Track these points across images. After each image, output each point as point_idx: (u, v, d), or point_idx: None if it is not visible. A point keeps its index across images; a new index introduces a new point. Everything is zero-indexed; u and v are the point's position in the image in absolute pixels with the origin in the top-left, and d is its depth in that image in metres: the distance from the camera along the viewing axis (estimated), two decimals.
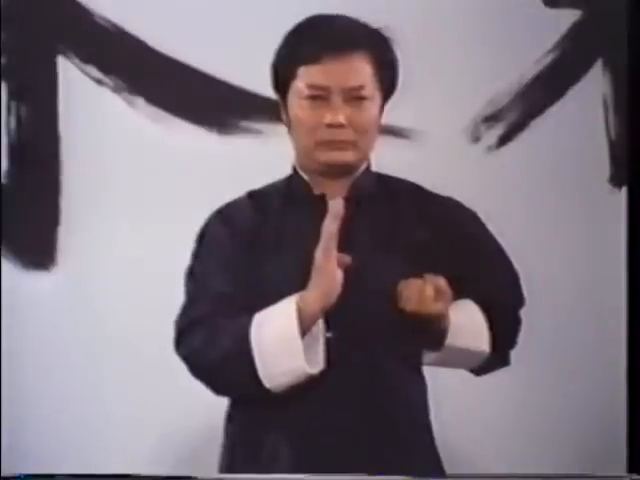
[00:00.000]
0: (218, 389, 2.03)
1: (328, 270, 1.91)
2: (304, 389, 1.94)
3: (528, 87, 3.08)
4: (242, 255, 2.04)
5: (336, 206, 1.91)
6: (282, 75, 2.05)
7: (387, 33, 2.06)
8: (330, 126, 2.00)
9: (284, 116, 2.10)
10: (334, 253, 1.91)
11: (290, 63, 2.03)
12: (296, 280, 1.95)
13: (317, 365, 1.94)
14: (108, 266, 2.95)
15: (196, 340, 2.00)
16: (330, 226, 1.91)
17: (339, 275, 1.92)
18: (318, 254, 1.92)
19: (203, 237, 2.12)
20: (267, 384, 1.94)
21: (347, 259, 1.92)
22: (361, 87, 2.01)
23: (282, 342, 1.92)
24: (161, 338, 2.88)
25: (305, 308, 1.92)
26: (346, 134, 2.01)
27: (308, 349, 1.93)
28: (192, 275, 2.09)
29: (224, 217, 2.11)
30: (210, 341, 1.97)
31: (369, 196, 2.10)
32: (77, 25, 2.97)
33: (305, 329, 1.93)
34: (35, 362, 2.92)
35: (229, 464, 2.08)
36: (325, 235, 1.92)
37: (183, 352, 2.03)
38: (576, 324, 3.00)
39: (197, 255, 2.11)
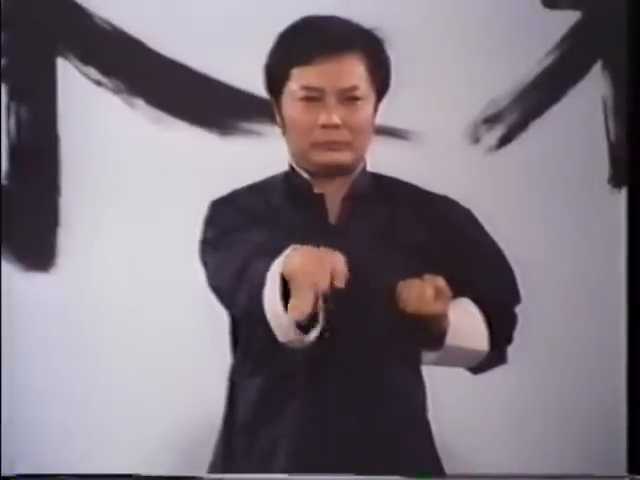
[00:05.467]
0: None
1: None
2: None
3: (528, 88, 3.08)
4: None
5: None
6: (275, 77, 2.05)
7: (379, 33, 2.05)
8: (325, 127, 2.01)
9: (277, 118, 2.10)
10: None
11: (283, 64, 2.03)
12: None
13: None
14: (107, 267, 2.95)
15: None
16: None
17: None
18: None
19: (211, 222, 2.09)
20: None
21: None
22: (355, 87, 2.01)
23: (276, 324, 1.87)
24: (160, 338, 2.91)
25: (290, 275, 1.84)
26: (341, 135, 2.02)
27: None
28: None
29: (231, 203, 2.10)
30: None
31: (367, 196, 2.10)
32: (76, 26, 2.98)
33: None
34: (34, 362, 2.93)
35: (225, 455, 2.08)
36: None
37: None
38: (576, 324, 3.00)
39: (210, 243, 2.08)
